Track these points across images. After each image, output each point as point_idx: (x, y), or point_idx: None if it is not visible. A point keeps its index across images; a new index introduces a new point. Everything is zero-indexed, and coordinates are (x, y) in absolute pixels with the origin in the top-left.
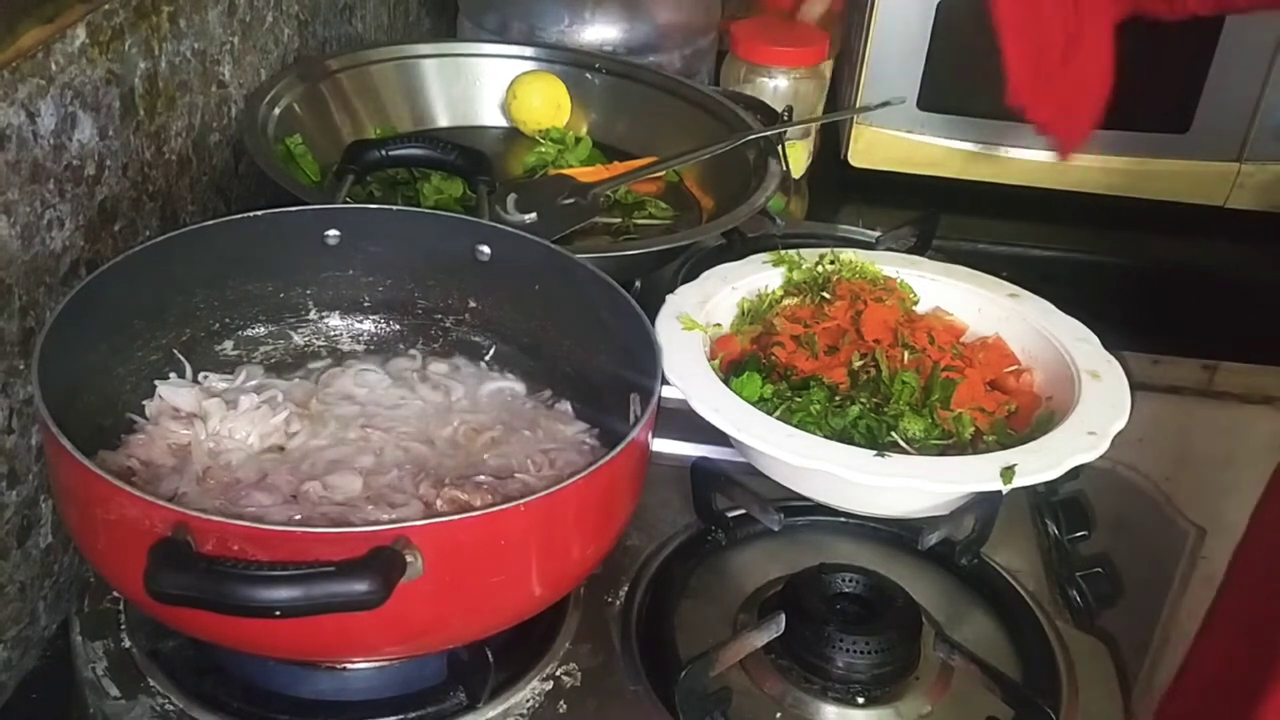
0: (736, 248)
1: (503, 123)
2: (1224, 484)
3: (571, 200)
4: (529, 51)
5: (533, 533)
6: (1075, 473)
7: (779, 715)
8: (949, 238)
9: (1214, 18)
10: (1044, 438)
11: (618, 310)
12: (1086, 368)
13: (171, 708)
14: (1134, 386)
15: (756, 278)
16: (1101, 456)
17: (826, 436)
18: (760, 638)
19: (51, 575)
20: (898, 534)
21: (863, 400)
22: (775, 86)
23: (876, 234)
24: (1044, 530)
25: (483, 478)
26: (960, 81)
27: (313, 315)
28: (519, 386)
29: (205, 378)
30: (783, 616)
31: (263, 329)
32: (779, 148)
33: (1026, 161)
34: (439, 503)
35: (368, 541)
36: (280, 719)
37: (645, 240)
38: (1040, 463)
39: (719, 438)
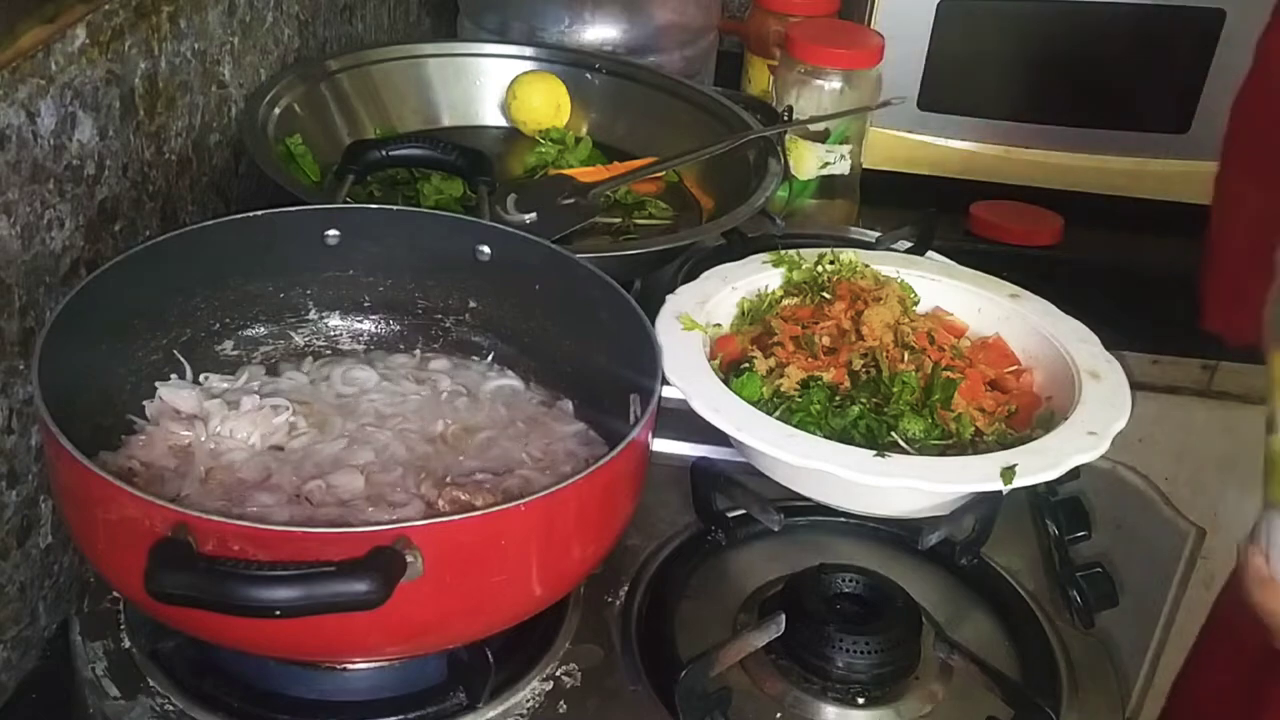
0: (736, 248)
1: (503, 123)
2: (1224, 484)
3: (571, 200)
4: (529, 51)
5: (533, 533)
6: (1075, 473)
7: (779, 715)
8: (949, 238)
9: (1213, 17)
10: (1044, 438)
11: (618, 310)
12: (1086, 368)
13: (171, 708)
14: (1134, 386)
15: (756, 278)
16: (1101, 456)
17: (826, 436)
18: (760, 638)
19: (51, 575)
20: (898, 534)
21: (863, 400)
22: (828, 88)
23: (876, 234)
24: (1044, 530)
25: (483, 476)
26: (960, 81)
27: (313, 315)
28: (519, 385)
29: (206, 378)
30: (783, 616)
31: (263, 329)
32: (779, 148)
33: (1026, 161)
34: (440, 502)
35: (368, 541)
36: (280, 719)
37: (645, 240)
38: (1040, 463)
39: (719, 438)
